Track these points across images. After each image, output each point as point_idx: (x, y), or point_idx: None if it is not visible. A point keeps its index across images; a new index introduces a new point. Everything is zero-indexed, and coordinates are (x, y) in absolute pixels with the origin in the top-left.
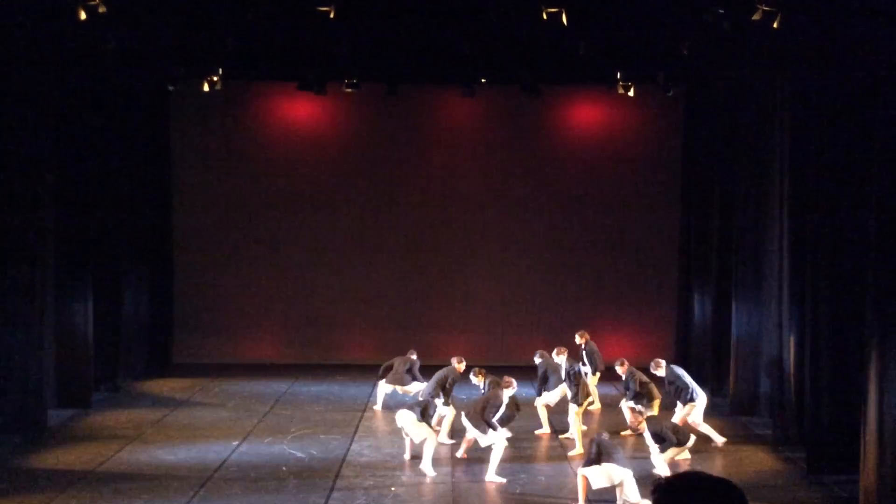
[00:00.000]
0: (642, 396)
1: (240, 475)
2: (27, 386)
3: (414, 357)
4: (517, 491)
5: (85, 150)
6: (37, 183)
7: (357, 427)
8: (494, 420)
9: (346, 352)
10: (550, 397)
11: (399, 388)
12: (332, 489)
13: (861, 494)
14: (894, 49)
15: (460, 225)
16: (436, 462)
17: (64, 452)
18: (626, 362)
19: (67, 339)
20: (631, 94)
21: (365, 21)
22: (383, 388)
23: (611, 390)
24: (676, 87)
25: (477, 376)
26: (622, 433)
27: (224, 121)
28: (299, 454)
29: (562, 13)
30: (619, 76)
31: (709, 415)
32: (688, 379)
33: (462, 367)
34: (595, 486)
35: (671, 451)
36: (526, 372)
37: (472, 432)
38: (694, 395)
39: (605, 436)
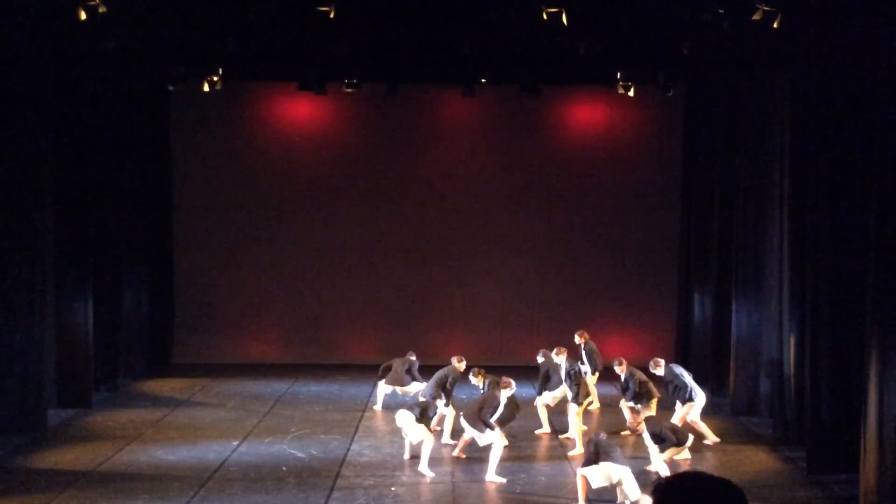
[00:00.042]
0: (641, 396)
1: (240, 475)
2: (27, 386)
3: (413, 358)
4: (517, 491)
5: (85, 150)
6: (37, 183)
7: (357, 427)
8: (492, 420)
9: (346, 352)
10: (551, 397)
11: (399, 389)
12: (332, 489)
13: (861, 494)
14: (894, 49)
15: (460, 225)
16: (436, 462)
17: (64, 452)
18: (625, 361)
19: (67, 339)
20: (631, 94)
21: (365, 21)
22: (383, 388)
23: (610, 390)
24: (676, 87)
25: (476, 377)
26: (622, 433)
27: (224, 121)
28: (299, 454)
29: (562, 13)
30: (619, 76)
31: (709, 415)
32: (687, 378)
33: (462, 366)
34: (594, 485)
35: (670, 451)
36: (526, 372)
37: (469, 432)
38: (693, 394)
39: (603, 436)
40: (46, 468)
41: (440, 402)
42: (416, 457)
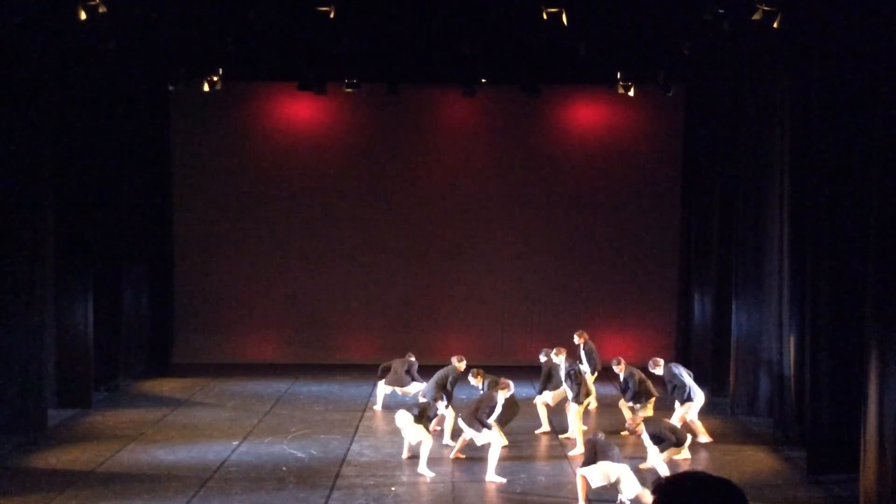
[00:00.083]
0: (640, 395)
1: (240, 475)
2: (27, 386)
3: (412, 359)
4: (517, 491)
5: (85, 149)
6: (37, 183)
7: (357, 427)
8: (489, 420)
9: (346, 352)
10: (551, 396)
11: (399, 390)
12: (332, 489)
13: (861, 494)
14: (894, 49)
15: (460, 225)
16: (435, 462)
17: (64, 452)
18: (623, 361)
19: (67, 339)
20: (631, 94)
21: (365, 21)
22: (383, 388)
23: (610, 390)
24: (676, 87)
25: (475, 377)
26: (622, 433)
27: (224, 121)
28: (299, 454)
29: (562, 13)
30: (619, 76)
31: (709, 415)
32: (686, 378)
33: (462, 365)
34: (594, 485)
35: (669, 451)
36: (526, 372)
37: (468, 432)
38: (692, 394)
39: (601, 435)
40: (46, 468)
41: (441, 404)
42: (415, 456)
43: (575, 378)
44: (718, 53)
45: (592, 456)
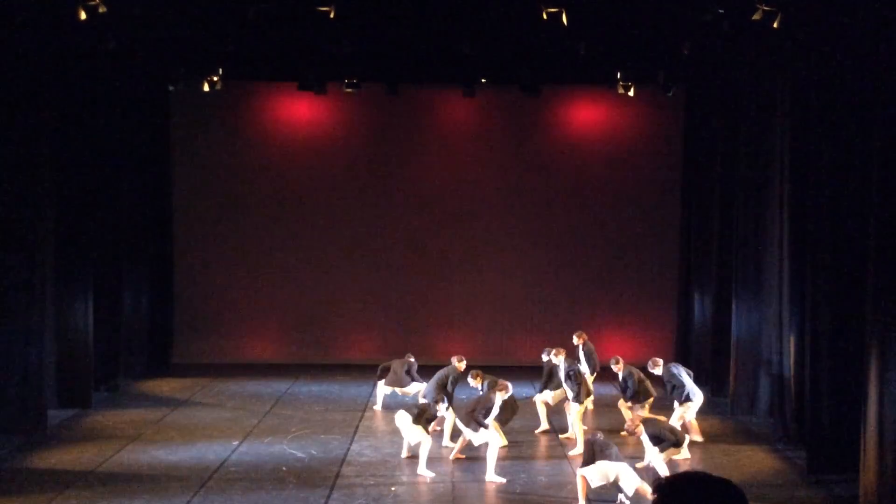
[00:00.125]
0: (639, 395)
1: (240, 475)
2: (27, 386)
3: (412, 359)
4: (517, 491)
5: (85, 149)
6: (37, 183)
7: (357, 427)
8: (486, 420)
9: (346, 352)
10: (552, 395)
11: (399, 390)
12: (332, 489)
13: (861, 494)
14: (894, 49)
15: (460, 225)
16: (435, 462)
17: (64, 452)
18: (622, 360)
19: (67, 338)
20: (631, 94)
21: (365, 21)
22: (382, 388)
23: (610, 390)
24: (676, 87)
25: (475, 379)
26: (621, 433)
27: (224, 121)
28: (299, 454)
29: (562, 13)
30: (619, 76)
31: (709, 415)
32: (685, 378)
33: (462, 365)
34: (594, 484)
35: (669, 452)
36: (526, 372)
37: (466, 433)
38: (691, 394)
39: (600, 435)
40: (46, 468)
41: (442, 406)
42: (414, 456)
43: (575, 378)
44: (718, 53)
45: (591, 456)
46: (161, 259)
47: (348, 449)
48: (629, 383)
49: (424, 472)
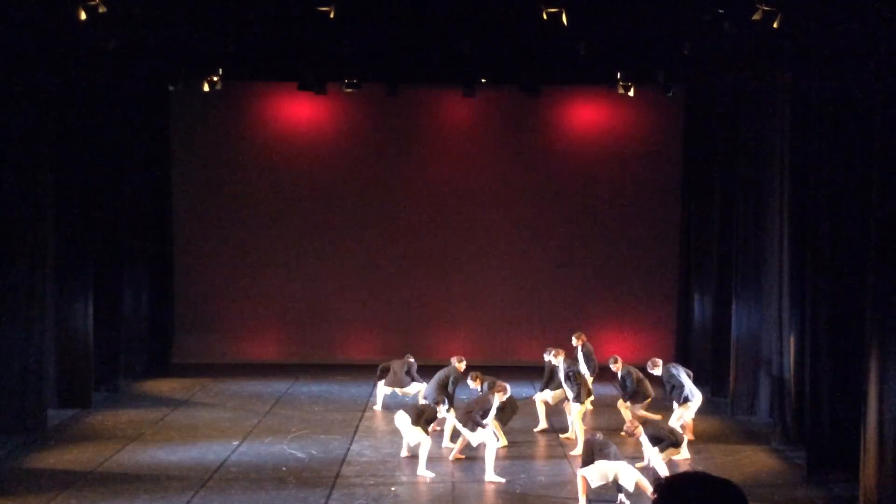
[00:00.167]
0: (637, 394)
1: (240, 475)
2: (27, 386)
3: (411, 360)
4: (517, 491)
5: (85, 150)
6: (37, 183)
7: (357, 427)
8: (484, 420)
9: (346, 352)
10: (552, 395)
11: (398, 391)
12: (332, 489)
13: (861, 494)
14: (894, 49)
15: (460, 225)
16: (435, 462)
17: (64, 452)
18: (620, 359)
19: (67, 339)
20: (631, 94)
21: (365, 21)
22: (382, 388)
23: (610, 390)
24: (676, 87)
25: (474, 381)
26: (621, 433)
27: (224, 121)
28: (299, 454)
29: (562, 13)
30: (619, 76)
31: (709, 415)
32: (684, 378)
33: (462, 366)
34: (593, 484)
35: (668, 452)
36: (527, 372)
37: (463, 432)
38: (690, 395)
39: (599, 435)
40: (46, 468)
41: (442, 408)
42: (414, 456)
43: (574, 379)
44: (718, 53)
45: (590, 456)
46: (161, 259)
47: (348, 449)
48: (627, 382)
49: (424, 472)
